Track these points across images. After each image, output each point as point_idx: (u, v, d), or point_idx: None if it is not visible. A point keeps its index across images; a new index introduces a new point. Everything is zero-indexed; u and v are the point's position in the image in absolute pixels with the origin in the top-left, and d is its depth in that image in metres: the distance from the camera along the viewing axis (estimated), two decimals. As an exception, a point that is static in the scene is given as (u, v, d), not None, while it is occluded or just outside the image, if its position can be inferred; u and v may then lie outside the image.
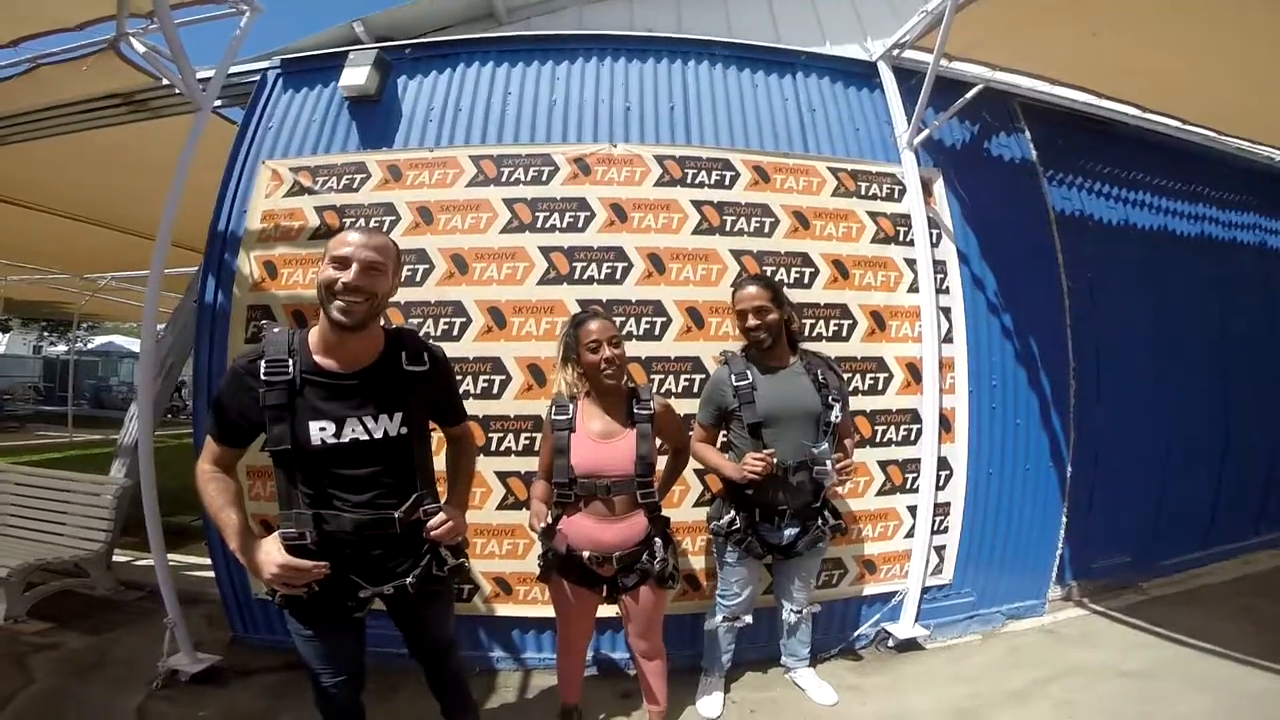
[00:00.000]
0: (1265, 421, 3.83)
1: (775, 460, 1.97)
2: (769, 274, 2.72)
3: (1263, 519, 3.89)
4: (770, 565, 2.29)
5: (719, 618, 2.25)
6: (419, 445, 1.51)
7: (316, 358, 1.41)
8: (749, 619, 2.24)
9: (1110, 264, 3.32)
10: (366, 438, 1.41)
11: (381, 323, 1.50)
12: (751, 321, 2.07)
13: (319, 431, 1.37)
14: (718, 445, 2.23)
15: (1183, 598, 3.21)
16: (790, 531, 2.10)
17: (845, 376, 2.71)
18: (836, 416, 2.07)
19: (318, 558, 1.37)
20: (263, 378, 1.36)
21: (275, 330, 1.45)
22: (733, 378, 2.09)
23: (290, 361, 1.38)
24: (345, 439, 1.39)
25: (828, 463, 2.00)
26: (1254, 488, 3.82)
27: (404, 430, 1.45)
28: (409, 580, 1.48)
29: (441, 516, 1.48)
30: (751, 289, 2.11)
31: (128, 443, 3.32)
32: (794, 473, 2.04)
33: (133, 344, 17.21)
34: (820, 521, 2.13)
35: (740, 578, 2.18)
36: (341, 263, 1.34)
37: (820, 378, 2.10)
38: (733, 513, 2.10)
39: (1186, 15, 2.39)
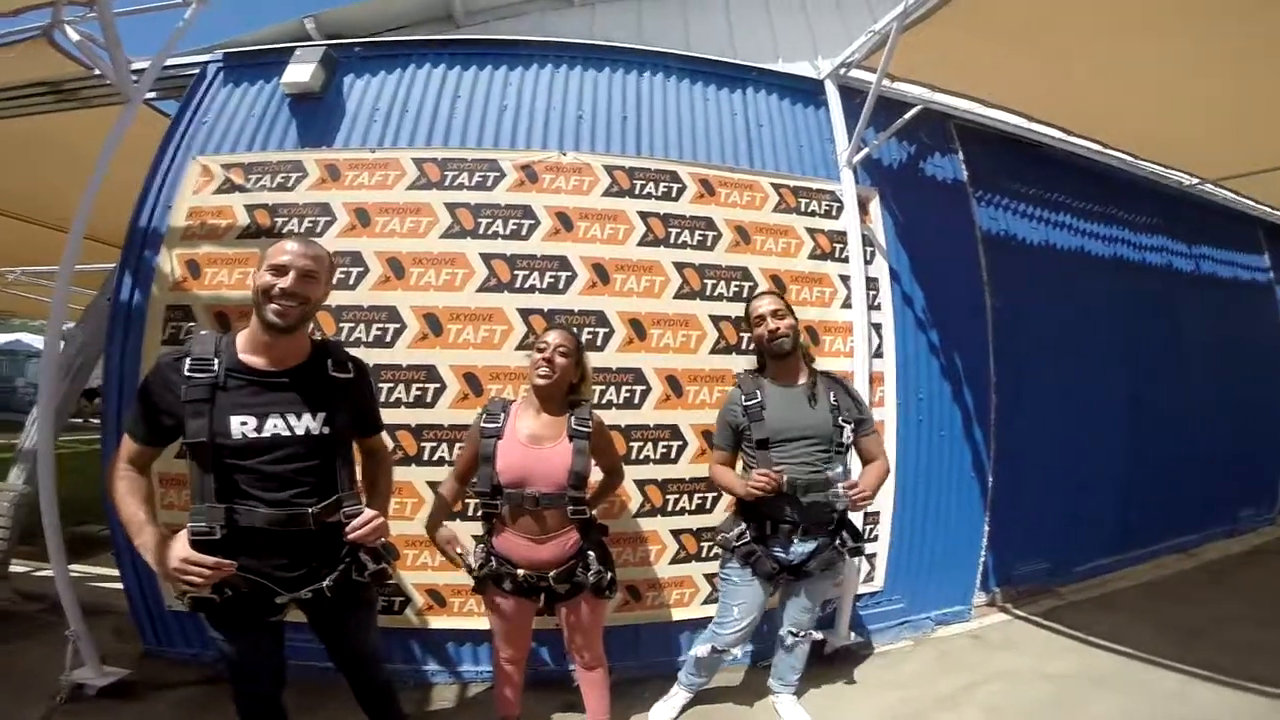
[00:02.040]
0: (1170, 434, 4.09)
1: (784, 478, 1.91)
2: (710, 288, 2.77)
3: (1169, 526, 4.15)
4: (779, 587, 2.16)
5: (709, 646, 2.12)
6: (341, 449, 1.53)
7: (243, 356, 1.45)
8: (737, 653, 2.12)
9: (1031, 282, 3.50)
10: (288, 433, 1.44)
11: (311, 329, 1.55)
12: (773, 324, 2.07)
13: (239, 425, 1.40)
14: (738, 468, 2.16)
15: (1097, 602, 3.39)
16: (803, 549, 2.02)
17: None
18: (848, 437, 2.04)
19: (228, 556, 1.34)
20: (186, 373, 1.39)
21: (203, 333, 1.52)
22: (743, 397, 2.07)
23: (215, 360, 1.41)
24: (266, 433, 1.41)
25: (839, 485, 1.93)
26: (1161, 496, 4.06)
27: (326, 430, 1.48)
28: (325, 584, 1.47)
29: (365, 515, 1.48)
30: (767, 297, 2.16)
31: (28, 448, 3.10)
32: (805, 492, 1.97)
33: (41, 342, 15.97)
34: (838, 542, 2.05)
35: (743, 600, 2.06)
36: (279, 270, 1.41)
37: (833, 399, 2.07)
38: (743, 525, 2.06)
39: (1111, 40, 2.48)
